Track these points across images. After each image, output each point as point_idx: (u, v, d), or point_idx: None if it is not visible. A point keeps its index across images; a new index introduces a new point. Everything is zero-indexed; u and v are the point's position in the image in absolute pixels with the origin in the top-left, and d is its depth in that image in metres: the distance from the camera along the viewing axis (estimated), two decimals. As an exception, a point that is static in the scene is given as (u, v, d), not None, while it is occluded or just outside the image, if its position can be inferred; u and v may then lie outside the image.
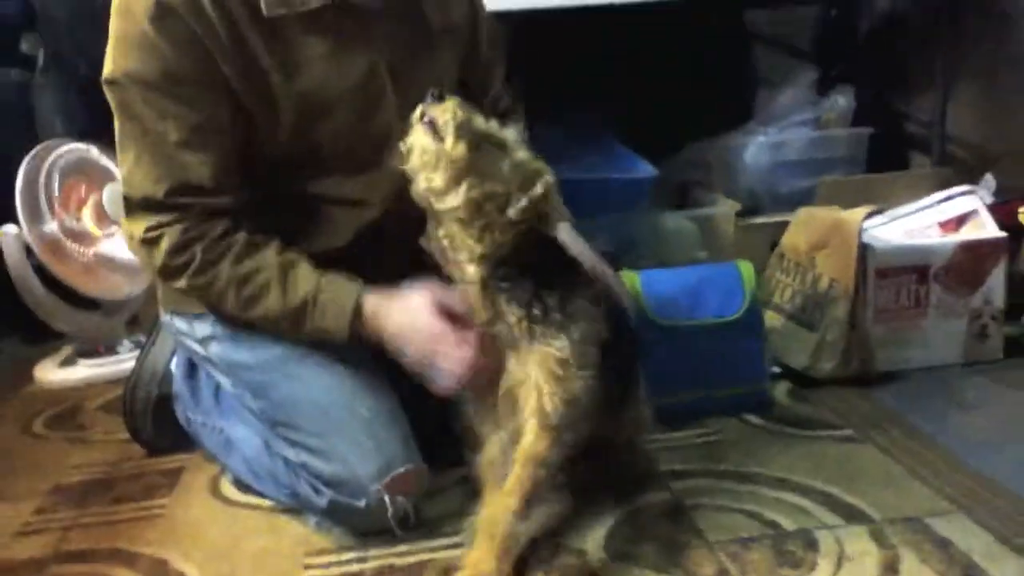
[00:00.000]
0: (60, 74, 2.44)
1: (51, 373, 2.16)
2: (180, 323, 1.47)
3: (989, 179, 1.93)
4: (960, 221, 1.90)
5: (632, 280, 1.67)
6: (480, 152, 1.17)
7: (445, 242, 1.23)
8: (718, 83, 2.30)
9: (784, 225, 1.95)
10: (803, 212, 1.92)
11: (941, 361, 1.84)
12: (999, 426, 1.60)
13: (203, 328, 1.43)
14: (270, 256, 1.31)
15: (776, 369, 1.85)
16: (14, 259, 2.04)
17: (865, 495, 1.38)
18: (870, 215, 1.83)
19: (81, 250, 2.12)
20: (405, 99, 1.34)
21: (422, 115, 1.18)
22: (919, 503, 1.35)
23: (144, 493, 1.58)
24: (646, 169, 1.89)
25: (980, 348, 1.85)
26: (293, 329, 1.33)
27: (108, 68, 1.28)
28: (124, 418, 1.70)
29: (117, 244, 2.13)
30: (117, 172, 1.97)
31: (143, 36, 1.23)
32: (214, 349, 1.44)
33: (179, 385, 1.60)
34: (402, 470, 1.34)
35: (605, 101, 2.24)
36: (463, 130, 1.16)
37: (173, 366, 1.65)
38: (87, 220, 2.16)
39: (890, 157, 2.21)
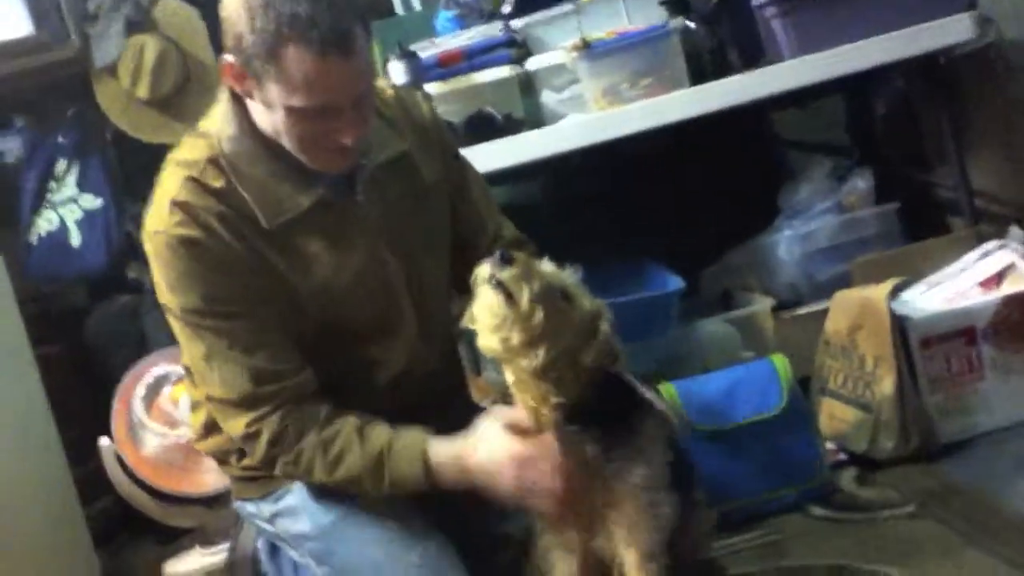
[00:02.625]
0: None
1: (176, 567, 2.34)
2: (249, 507, 1.60)
3: (1016, 230, 1.92)
4: (1000, 276, 1.88)
5: (669, 392, 1.73)
6: (554, 311, 1.21)
7: (514, 389, 1.29)
8: (744, 187, 2.39)
9: (824, 313, 1.97)
10: (838, 296, 1.95)
11: (1010, 422, 1.79)
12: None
13: (267, 507, 1.55)
14: (350, 420, 1.40)
15: (841, 456, 1.85)
16: (111, 469, 2.27)
17: (918, 568, 1.36)
18: (897, 288, 1.84)
19: (171, 455, 2.33)
20: (411, 268, 1.48)
21: (490, 277, 1.22)
22: (976, 571, 1.32)
23: (251, 667, 1.70)
24: (675, 282, 1.97)
25: (1050, 401, 1.80)
26: (375, 484, 1.39)
27: (161, 299, 1.42)
28: (228, 600, 1.85)
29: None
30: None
31: (176, 271, 1.37)
32: (280, 525, 1.54)
33: (265, 566, 1.68)
34: (460, 613, 1.41)
35: (639, 221, 2.36)
36: (540, 296, 1.20)
37: (260, 551, 1.77)
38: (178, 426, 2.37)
39: (929, 226, 2.21)
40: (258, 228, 1.38)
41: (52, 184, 2.81)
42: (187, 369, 1.57)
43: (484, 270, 1.24)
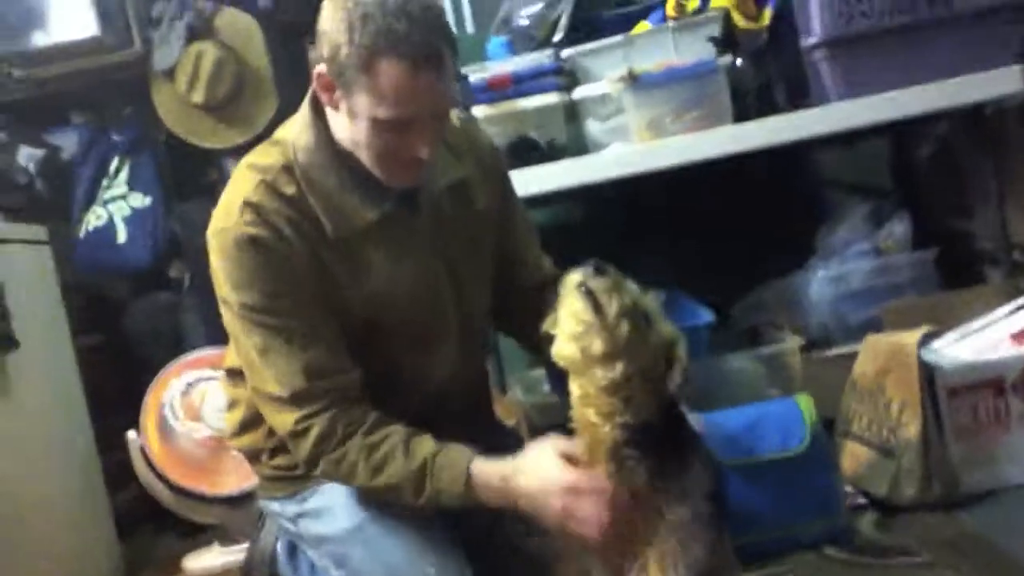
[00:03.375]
0: (203, 293, 2.81)
1: (195, 562, 2.39)
2: (274, 506, 1.64)
3: (1050, 285, 1.92)
4: (1033, 331, 1.87)
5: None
6: (638, 328, 1.24)
7: (577, 403, 1.29)
8: (781, 224, 2.40)
9: (853, 356, 1.97)
10: (868, 340, 1.95)
11: (1036, 476, 1.78)
12: (1090, 539, 1.54)
13: (292, 507, 1.59)
14: (397, 428, 1.44)
15: (861, 500, 1.84)
16: (137, 462, 2.32)
17: (933, 620, 1.36)
18: (929, 335, 1.84)
19: (198, 453, 2.39)
20: (458, 285, 1.53)
21: (581, 284, 1.24)
22: (988, 624, 1.32)
23: (261, 665, 1.72)
24: (705, 316, 1.98)
25: (1076, 459, 1.78)
26: (415, 494, 1.41)
27: (218, 291, 1.46)
28: (245, 597, 1.87)
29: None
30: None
31: (241, 268, 1.41)
32: (302, 526, 1.58)
33: (283, 567, 1.71)
34: (470, 624, 1.43)
35: (674, 255, 2.38)
36: (627, 310, 1.23)
37: (279, 550, 1.81)
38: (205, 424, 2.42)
39: (965, 276, 2.21)
40: (323, 236, 1.43)
41: (104, 181, 2.91)
42: (228, 370, 1.63)
43: (575, 277, 1.26)
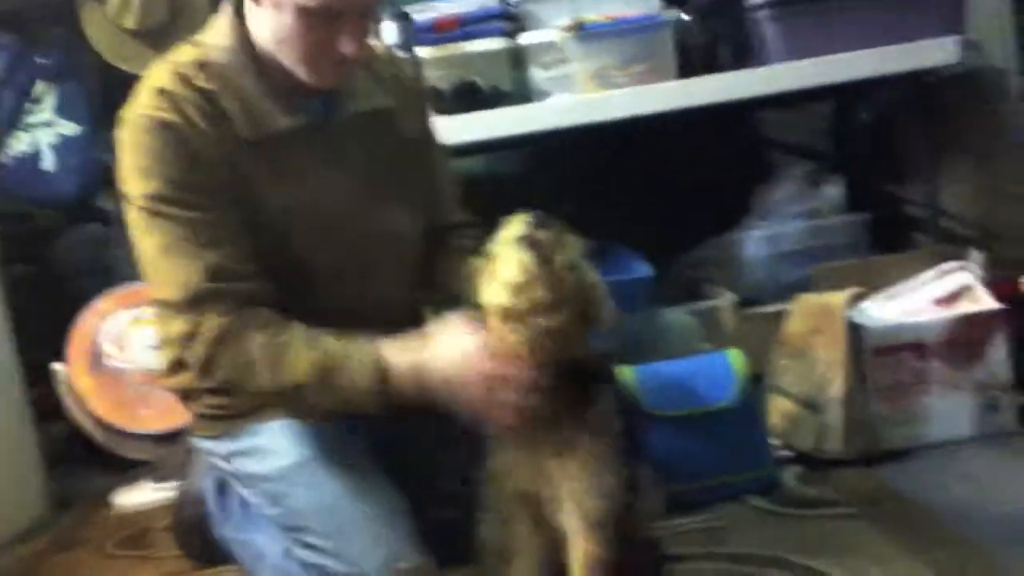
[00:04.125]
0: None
1: (125, 498, 2.36)
2: (207, 444, 1.62)
3: (976, 254, 1.98)
4: (956, 296, 1.94)
5: (628, 375, 1.78)
6: (580, 280, 1.27)
7: (519, 346, 1.28)
8: (722, 183, 2.43)
9: (783, 314, 2.02)
10: (799, 299, 2.00)
11: (951, 436, 1.86)
12: (997, 495, 1.62)
13: (226, 446, 1.57)
14: (297, 328, 1.39)
15: (787, 453, 1.91)
16: (64, 394, 2.29)
17: (853, 570, 1.42)
18: (856, 297, 1.90)
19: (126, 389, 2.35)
20: (381, 207, 1.51)
21: (526, 236, 1.24)
22: (900, 572, 1.39)
23: (190, 603, 1.73)
24: (644, 270, 2.01)
25: (991, 421, 1.87)
26: (322, 394, 1.37)
27: (121, 185, 1.42)
28: (174, 535, 1.86)
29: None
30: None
31: (147, 153, 1.38)
32: (235, 464, 1.57)
33: (211, 504, 1.71)
34: (406, 564, 1.44)
35: (612, 208, 2.39)
36: (574, 264, 1.26)
37: (207, 489, 1.78)
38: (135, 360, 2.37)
39: (896, 240, 2.28)
40: (235, 135, 1.41)
41: (29, 105, 2.79)
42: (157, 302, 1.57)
43: (515, 229, 1.26)
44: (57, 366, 2.37)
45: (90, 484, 2.55)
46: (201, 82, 1.41)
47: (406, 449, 1.66)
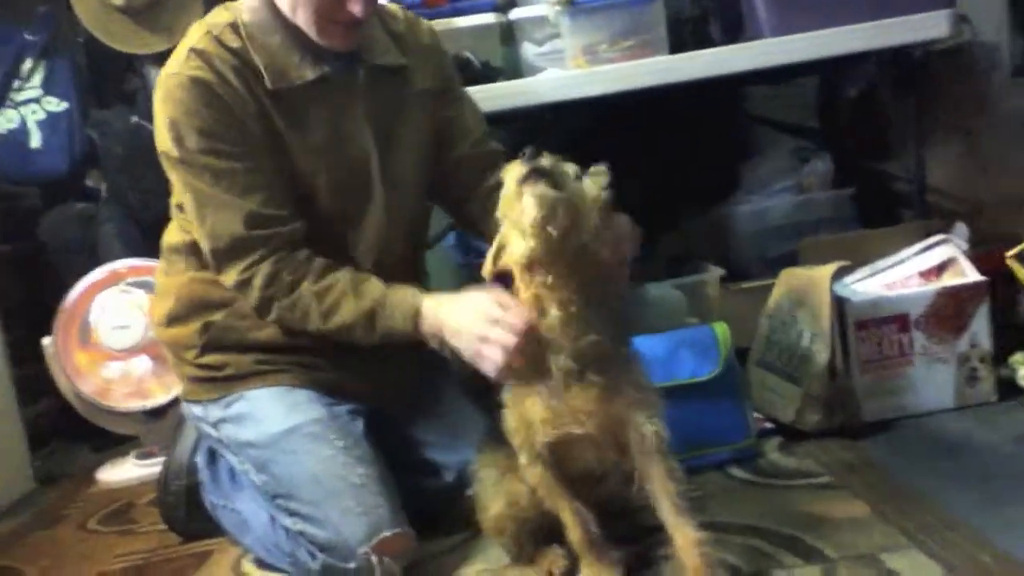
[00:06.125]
0: (119, 205, 2.73)
1: (109, 475, 2.37)
2: (197, 409, 1.64)
3: (961, 227, 1.98)
4: (940, 269, 1.94)
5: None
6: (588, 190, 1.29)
7: (544, 289, 1.30)
8: (709, 158, 2.42)
9: (771, 288, 2.02)
10: (784, 273, 2.00)
11: (932, 407, 1.87)
12: (975, 465, 1.62)
13: (215, 411, 1.60)
14: (344, 272, 1.52)
15: (768, 425, 1.91)
16: (53, 368, 2.30)
17: (828, 537, 1.43)
18: (841, 270, 1.90)
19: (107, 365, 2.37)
20: (388, 153, 1.61)
21: (532, 170, 1.24)
22: (877, 541, 1.39)
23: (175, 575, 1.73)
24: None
25: (972, 392, 1.88)
26: (367, 333, 1.50)
27: (160, 146, 1.52)
28: (159, 509, 1.87)
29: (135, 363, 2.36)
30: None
31: (183, 109, 1.48)
32: (225, 431, 1.60)
33: (202, 472, 1.75)
34: (389, 534, 1.45)
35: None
36: (578, 175, 1.28)
37: (198, 456, 1.81)
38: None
39: (882, 215, 2.27)
40: (264, 87, 1.51)
41: (17, 82, 2.78)
42: (167, 248, 1.67)
43: (516, 171, 1.26)
44: (46, 341, 2.37)
45: (76, 462, 2.56)
46: (232, 41, 1.51)
47: (395, 419, 1.69)
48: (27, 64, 2.78)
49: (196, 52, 1.49)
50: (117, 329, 2.34)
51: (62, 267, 2.72)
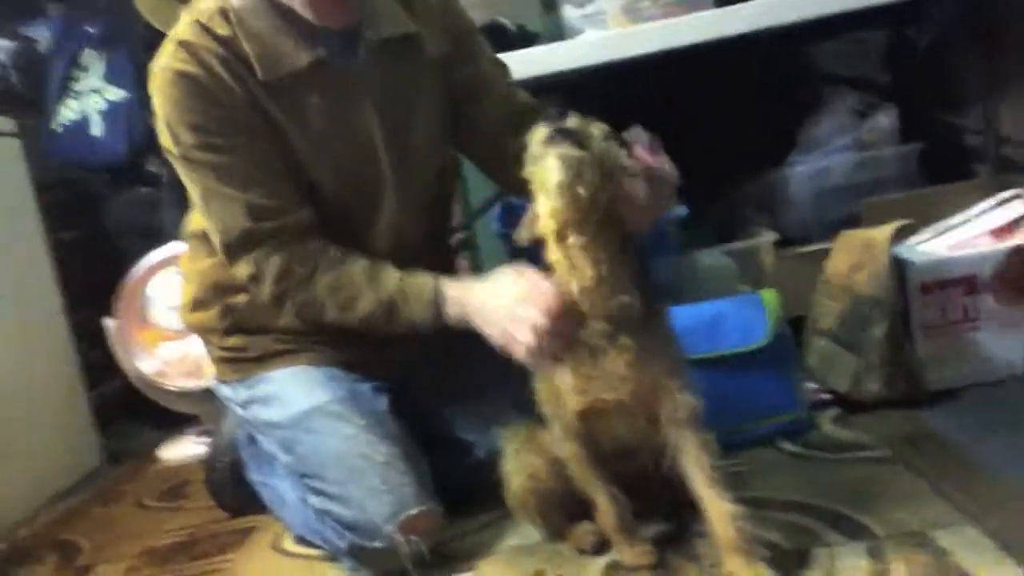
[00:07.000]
0: (181, 188, 2.76)
1: (170, 453, 2.41)
2: (226, 390, 1.65)
3: (1032, 179, 1.83)
4: (1013, 226, 1.80)
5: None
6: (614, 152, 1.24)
7: (574, 251, 1.25)
8: (761, 118, 2.30)
9: (828, 252, 1.91)
10: (842, 235, 1.88)
11: (1002, 375, 1.73)
12: (1047, 437, 1.50)
13: (242, 392, 1.60)
14: (358, 262, 1.47)
15: (826, 396, 1.81)
16: (115, 348, 2.34)
17: (877, 513, 1.33)
18: (902, 231, 1.78)
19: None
20: (397, 140, 1.53)
21: (554, 132, 1.20)
22: (930, 517, 1.29)
23: (218, 550, 1.75)
24: (677, 209, 1.92)
25: (1048, 359, 1.73)
26: (388, 325, 1.46)
27: (163, 143, 1.49)
28: (206, 486, 1.89)
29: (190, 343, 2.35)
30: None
31: (173, 104, 1.44)
32: (252, 411, 1.60)
33: (243, 450, 1.76)
34: (415, 512, 1.43)
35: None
36: (607, 135, 1.23)
37: (239, 434, 1.82)
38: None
39: (951, 171, 2.12)
40: (258, 78, 1.45)
41: (78, 73, 2.84)
42: (191, 235, 1.65)
43: (541, 133, 1.21)
44: (108, 321, 2.42)
45: (141, 439, 2.62)
46: (220, 29, 1.44)
47: (422, 394, 1.65)
48: (88, 55, 2.84)
49: (183, 44, 1.44)
50: (173, 309, 2.37)
51: (127, 251, 2.79)
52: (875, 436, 1.61)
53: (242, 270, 1.48)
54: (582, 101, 2.46)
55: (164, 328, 2.40)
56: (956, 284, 1.74)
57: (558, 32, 2.18)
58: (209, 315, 1.62)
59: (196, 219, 1.64)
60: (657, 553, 1.34)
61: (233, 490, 1.85)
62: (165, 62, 1.44)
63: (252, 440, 1.75)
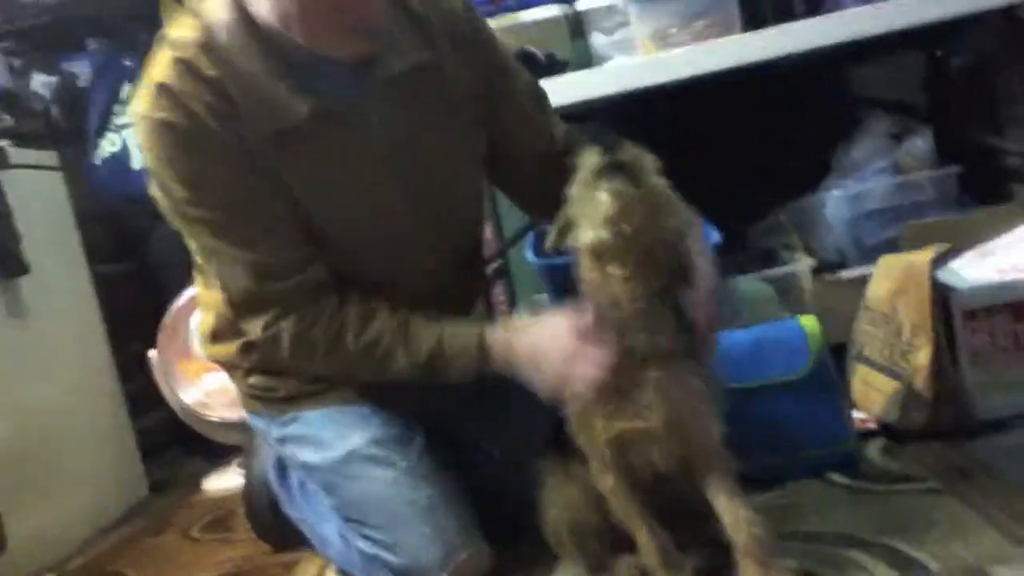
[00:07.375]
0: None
1: (214, 483, 2.44)
2: (259, 423, 1.62)
3: (1076, 203, 1.81)
4: (1059, 250, 1.77)
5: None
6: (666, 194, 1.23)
7: (613, 281, 1.23)
8: (803, 143, 2.29)
9: (868, 278, 1.89)
10: (882, 260, 1.87)
11: (1053, 404, 1.70)
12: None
13: (275, 429, 1.58)
14: (385, 320, 1.37)
15: (871, 425, 1.79)
16: (159, 379, 2.37)
17: (931, 547, 1.31)
18: (943, 254, 1.76)
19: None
20: (418, 185, 1.42)
21: (608, 164, 1.18)
22: (986, 551, 1.27)
23: (262, 585, 1.76)
24: (711, 235, 1.91)
25: (1099, 387, 1.70)
26: (429, 379, 1.38)
27: (153, 195, 1.37)
28: (247, 518, 1.90)
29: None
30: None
31: (159, 158, 1.31)
32: (288, 449, 1.58)
33: (276, 486, 1.73)
34: (464, 556, 1.42)
35: (680, 173, 2.30)
36: (660, 170, 1.21)
37: (270, 472, 1.75)
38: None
39: (991, 193, 2.10)
40: (249, 128, 1.32)
41: (118, 107, 2.90)
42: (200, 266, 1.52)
43: (593, 161, 1.19)
44: (152, 352, 2.45)
45: (186, 471, 2.65)
46: (207, 69, 1.28)
47: (452, 422, 1.61)
48: (127, 89, 2.89)
49: (164, 90, 1.28)
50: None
51: (170, 284, 2.82)
52: (924, 467, 1.59)
53: (254, 330, 1.39)
54: (614, 129, 2.49)
55: (204, 360, 2.42)
56: (1003, 311, 1.72)
57: (587, 59, 2.20)
58: (228, 350, 1.55)
59: None
60: (698, 582, 1.33)
61: (273, 524, 1.85)
62: (145, 109, 1.30)
63: (284, 475, 1.71)
